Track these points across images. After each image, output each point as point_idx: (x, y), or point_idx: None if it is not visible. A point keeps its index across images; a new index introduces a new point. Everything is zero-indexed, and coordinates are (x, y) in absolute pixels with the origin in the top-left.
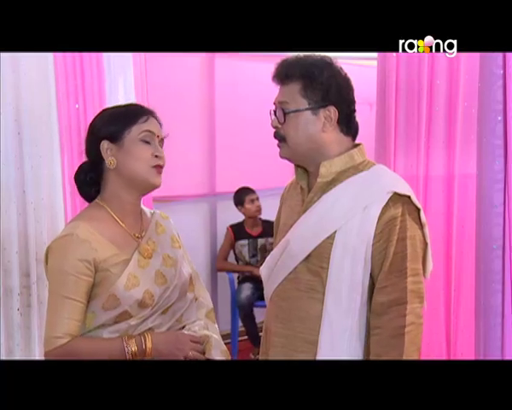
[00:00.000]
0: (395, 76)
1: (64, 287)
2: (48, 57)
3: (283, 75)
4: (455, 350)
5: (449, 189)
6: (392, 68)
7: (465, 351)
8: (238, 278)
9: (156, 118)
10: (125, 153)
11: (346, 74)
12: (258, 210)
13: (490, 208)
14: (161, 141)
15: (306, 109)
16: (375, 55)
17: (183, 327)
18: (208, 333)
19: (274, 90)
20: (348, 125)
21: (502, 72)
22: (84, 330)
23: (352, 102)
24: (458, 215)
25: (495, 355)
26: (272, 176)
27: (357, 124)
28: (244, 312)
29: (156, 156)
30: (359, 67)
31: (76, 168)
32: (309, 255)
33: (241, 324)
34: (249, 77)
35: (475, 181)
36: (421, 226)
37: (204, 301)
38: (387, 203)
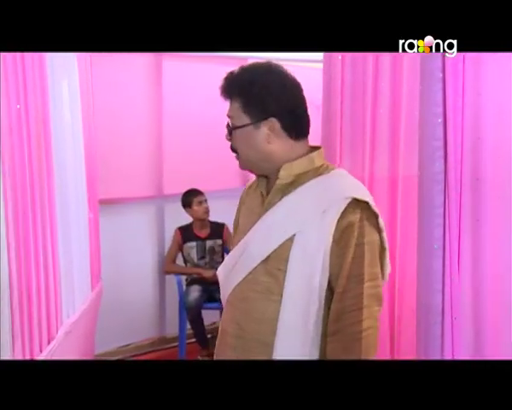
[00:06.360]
0: (340, 78)
1: None
2: None
3: (226, 93)
4: (398, 350)
5: (393, 190)
6: (337, 71)
7: (409, 350)
8: (186, 280)
9: None
10: None
11: (287, 79)
12: (207, 212)
13: (431, 209)
14: None
15: (248, 125)
16: (321, 57)
17: None
18: None
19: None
20: (298, 129)
21: (441, 75)
22: None
23: (298, 105)
24: (402, 216)
25: (435, 353)
26: (220, 178)
27: (309, 123)
28: (192, 314)
29: None
30: (304, 69)
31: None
32: (268, 257)
33: (188, 326)
34: (197, 79)
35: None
36: (380, 231)
37: None
38: (346, 209)
